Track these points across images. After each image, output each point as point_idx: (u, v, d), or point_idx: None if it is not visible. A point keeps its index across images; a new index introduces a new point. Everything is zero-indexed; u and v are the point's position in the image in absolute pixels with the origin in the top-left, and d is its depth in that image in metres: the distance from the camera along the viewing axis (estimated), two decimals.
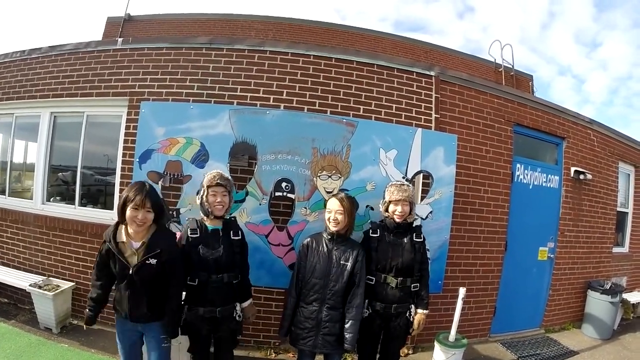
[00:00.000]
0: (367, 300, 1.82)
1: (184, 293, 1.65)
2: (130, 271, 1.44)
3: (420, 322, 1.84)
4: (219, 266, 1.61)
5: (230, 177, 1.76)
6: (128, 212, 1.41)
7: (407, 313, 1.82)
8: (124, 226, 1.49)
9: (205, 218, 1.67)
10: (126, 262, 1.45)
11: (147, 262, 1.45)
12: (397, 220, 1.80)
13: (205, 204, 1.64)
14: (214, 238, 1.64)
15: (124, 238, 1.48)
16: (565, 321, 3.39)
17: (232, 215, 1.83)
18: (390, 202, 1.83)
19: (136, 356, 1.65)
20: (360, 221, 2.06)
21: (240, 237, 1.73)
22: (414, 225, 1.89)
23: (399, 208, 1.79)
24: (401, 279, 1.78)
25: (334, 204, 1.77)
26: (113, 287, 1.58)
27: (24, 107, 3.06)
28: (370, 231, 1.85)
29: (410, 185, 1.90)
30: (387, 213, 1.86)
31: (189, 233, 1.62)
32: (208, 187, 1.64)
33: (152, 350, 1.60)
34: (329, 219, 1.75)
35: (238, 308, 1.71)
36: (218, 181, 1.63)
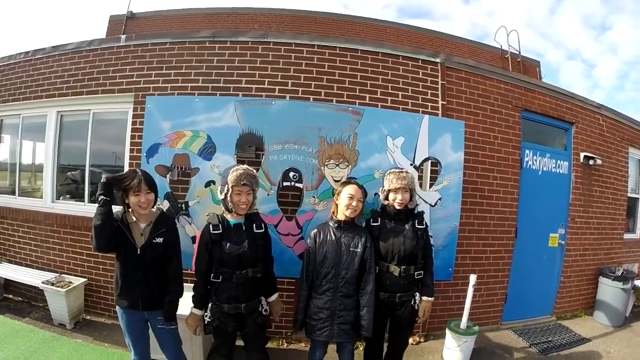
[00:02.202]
0: None
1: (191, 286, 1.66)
2: (139, 251, 1.51)
3: (426, 309, 1.83)
4: (243, 261, 1.58)
5: (255, 172, 1.69)
6: (131, 198, 1.50)
7: (412, 301, 1.81)
8: (130, 211, 1.57)
9: (226, 213, 1.65)
10: (134, 242, 1.52)
11: (154, 241, 1.54)
12: (398, 207, 1.78)
13: (229, 202, 1.60)
14: (237, 233, 1.61)
15: (134, 219, 1.57)
16: (576, 308, 3.35)
17: (255, 208, 1.78)
18: (389, 190, 1.81)
19: (145, 343, 1.68)
20: (368, 209, 2.05)
21: (263, 230, 1.68)
22: (415, 212, 1.87)
23: (399, 196, 1.77)
24: (404, 267, 1.76)
25: (356, 190, 1.74)
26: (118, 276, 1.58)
27: (30, 108, 3.08)
28: (372, 220, 1.83)
29: (409, 172, 1.87)
30: (387, 201, 1.84)
31: (211, 229, 1.58)
32: (233, 186, 1.59)
33: (163, 334, 1.64)
34: (348, 204, 1.71)
35: (264, 302, 1.69)
36: (244, 181, 1.58)
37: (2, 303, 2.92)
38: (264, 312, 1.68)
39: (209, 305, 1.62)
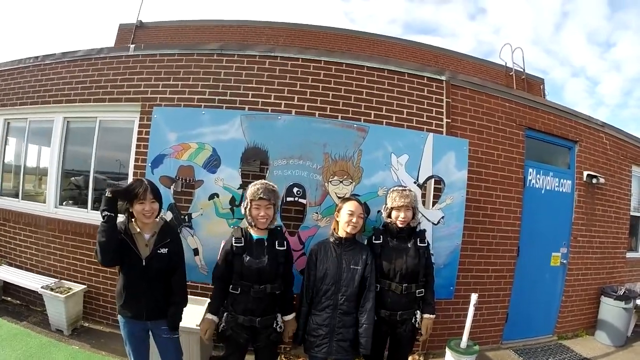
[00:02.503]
0: None
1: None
2: (144, 262, 1.51)
3: (428, 327, 1.82)
4: (262, 276, 1.59)
5: (275, 188, 1.71)
6: (136, 207, 1.50)
7: (413, 319, 1.80)
8: (133, 221, 1.56)
9: (249, 227, 1.68)
10: (139, 253, 1.52)
11: (158, 251, 1.55)
12: (400, 225, 1.79)
13: (249, 216, 1.64)
14: (259, 248, 1.63)
15: (137, 230, 1.56)
16: (578, 328, 3.32)
17: (277, 225, 1.81)
18: (392, 208, 1.82)
19: (145, 352, 1.68)
20: (371, 226, 2.05)
21: (285, 248, 1.69)
22: (417, 230, 1.88)
23: (401, 214, 1.78)
24: (406, 285, 1.76)
25: (356, 207, 1.75)
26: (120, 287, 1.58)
27: (37, 112, 3.11)
28: (373, 238, 1.84)
29: (412, 190, 1.89)
30: (389, 219, 1.84)
31: (233, 242, 1.62)
32: (251, 200, 1.62)
33: (166, 344, 1.65)
34: (348, 221, 1.72)
35: (279, 319, 1.69)
36: (261, 195, 1.61)
37: (0, 305, 2.92)
38: (278, 329, 1.68)
39: (225, 314, 1.64)
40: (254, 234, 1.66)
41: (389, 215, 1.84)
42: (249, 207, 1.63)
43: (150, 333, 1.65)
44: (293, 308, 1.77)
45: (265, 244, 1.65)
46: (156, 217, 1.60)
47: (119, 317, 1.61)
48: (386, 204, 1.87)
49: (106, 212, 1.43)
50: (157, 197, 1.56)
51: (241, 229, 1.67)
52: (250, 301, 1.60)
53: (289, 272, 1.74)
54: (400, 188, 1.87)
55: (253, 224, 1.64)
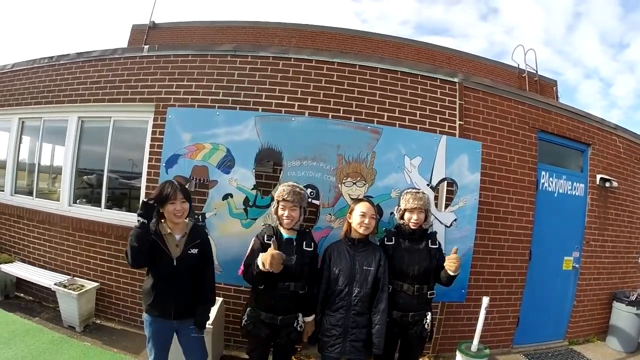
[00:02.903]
0: None
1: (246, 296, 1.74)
2: (174, 262, 1.55)
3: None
4: (287, 274, 1.62)
5: (302, 191, 1.77)
6: (168, 207, 1.55)
7: (424, 321, 1.81)
8: (163, 222, 1.61)
9: (279, 226, 1.74)
10: (169, 253, 1.56)
11: (189, 252, 1.59)
12: (413, 227, 1.81)
13: (274, 215, 1.72)
14: (287, 247, 1.66)
15: (168, 230, 1.60)
16: (589, 333, 3.28)
17: (306, 227, 1.87)
18: (405, 210, 1.84)
19: (167, 351, 1.71)
20: (383, 228, 2.05)
21: (312, 249, 1.75)
22: (428, 232, 1.89)
23: (414, 216, 1.80)
24: (418, 286, 1.78)
25: (368, 208, 1.76)
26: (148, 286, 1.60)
27: (51, 112, 3.16)
28: (386, 239, 1.85)
29: (425, 192, 1.90)
30: (402, 220, 1.86)
31: (265, 239, 1.66)
32: (278, 201, 1.70)
33: (193, 343, 1.68)
34: (361, 222, 1.74)
35: (300, 319, 1.72)
36: (285, 197, 1.67)
37: (13, 301, 2.96)
38: (299, 329, 1.71)
39: (248, 309, 1.69)
40: (284, 233, 1.72)
41: (402, 217, 1.86)
42: (276, 206, 1.71)
43: (175, 333, 1.68)
44: (314, 310, 1.78)
45: (295, 244, 1.70)
46: (186, 218, 1.64)
47: (145, 316, 1.64)
48: (399, 206, 1.88)
49: (141, 219, 1.47)
50: (187, 197, 1.62)
51: (272, 227, 1.73)
52: (273, 298, 1.63)
53: (313, 273, 1.76)
54: (414, 190, 1.88)
55: (279, 223, 1.71)
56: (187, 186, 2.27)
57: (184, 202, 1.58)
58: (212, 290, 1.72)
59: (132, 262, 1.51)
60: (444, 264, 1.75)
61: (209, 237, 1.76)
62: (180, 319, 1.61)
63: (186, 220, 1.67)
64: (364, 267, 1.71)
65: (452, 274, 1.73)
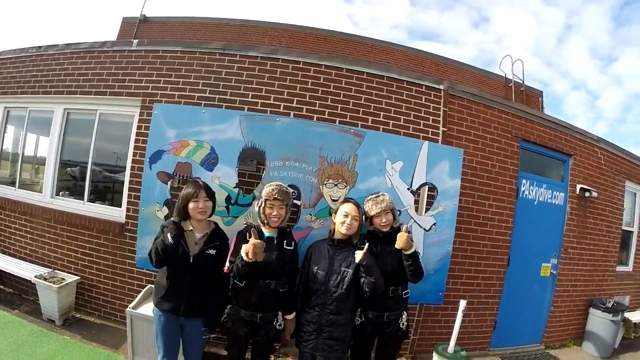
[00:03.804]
0: (359, 309, 1.85)
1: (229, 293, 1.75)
2: (191, 259, 1.60)
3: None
4: (267, 272, 1.65)
5: (289, 190, 1.81)
6: (191, 204, 1.61)
7: (400, 320, 1.84)
8: (187, 222, 1.66)
9: (262, 225, 1.76)
10: (188, 250, 1.61)
11: (207, 251, 1.64)
12: (384, 230, 1.83)
13: (262, 215, 1.73)
14: (269, 245, 1.69)
15: (190, 227, 1.66)
16: (565, 338, 3.36)
17: (288, 225, 1.92)
18: (372, 217, 1.86)
19: (175, 347, 1.73)
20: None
21: (292, 248, 1.78)
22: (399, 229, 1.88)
23: (382, 219, 1.83)
24: (393, 287, 1.81)
25: (351, 209, 1.79)
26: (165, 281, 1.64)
27: (37, 102, 3.12)
28: (358, 244, 1.86)
29: (385, 193, 1.92)
30: (372, 226, 1.89)
31: (247, 237, 1.65)
32: (266, 200, 1.72)
33: (193, 343, 1.72)
34: (343, 222, 1.76)
35: (280, 317, 1.74)
36: (275, 196, 1.71)
37: None
38: (277, 327, 1.74)
39: (228, 307, 1.71)
40: (266, 231, 1.74)
41: (371, 223, 1.88)
42: (263, 205, 1.73)
43: (180, 328, 1.70)
44: (295, 308, 1.81)
45: (275, 242, 1.73)
46: (209, 216, 1.70)
47: (154, 310, 1.67)
48: (365, 214, 1.89)
49: (174, 241, 1.55)
50: (211, 196, 1.67)
51: (254, 226, 1.74)
52: (253, 295, 1.66)
53: (293, 272, 1.79)
54: (374, 195, 1.91)
55: (265, 222, 1.73)
56: (170, 182, 2.30)
57: (207, 201, 1.64)
58: (227, 292, 1.76)
59: (156, 266, 1.62)
60: (396, 245, 1.75)
61: (228, 241, 1.77)
62: (188, 317, 1.64)
63: (209, 220, 1.73)
64: (342, 268, 1.74)
65: (406, 252, 1.75)
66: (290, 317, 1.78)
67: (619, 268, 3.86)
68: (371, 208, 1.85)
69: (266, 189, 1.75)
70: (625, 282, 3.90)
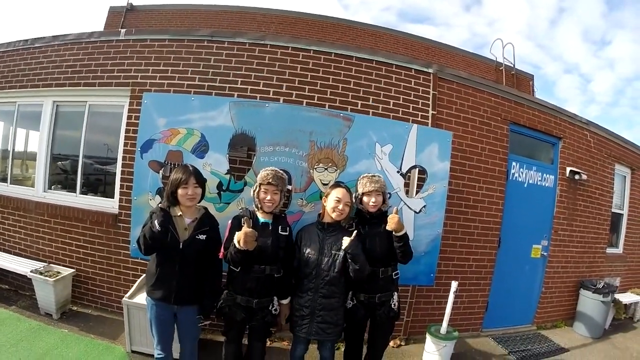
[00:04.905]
0: (350, 292, 1.87)
1: (224, 279, 1.75)
2: (181, 245, 1.58)
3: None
4: (262, 257, 1.66)
5: (284, 175, 1.81)
6: (180, 191, 1.59)
7: (391, 301, 1.86)
8: (177, 207, 1.64)
9: (256, 210, 1.77)
10: (177, 236, 1.59)
11: (196, 237, 1.61)
12: (372, 210, 1.84)
13: (256, 199, 1.74)
14: (264, 231, 1.70)
15: (179, 213, 1.63)
16: (557, 319, 3.43)
17: (282, 210, 1.92)
18: (363, 194, 1.87)
19: (170, 335, 1.74)
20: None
21: (287, 233, 1.79)
22: (388, 214, 1.89)
23: (372, 199, 1.83)
24: (382, 268, 1.83)
25: (343, 194, 1.79)
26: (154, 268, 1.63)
27: (26, 96, 3.09)
28: (346, 226, 1.87)
29: (381, 176, 1.94)
30: (361, 205, 1.89)
31: (242, 220, 1.63)
32: (260, 184, 1.73)
33: (187, 330, 1.71)
34: (334, 207, 1.77)
35: (275, 302, 1.76)
36: (270, 180, 1.71)
37: None
38: (273, 312, 1.75)
39: (224, 292, 1.71)
40: (260, 217, 1.75)
41: (361, 202, 1.89)
42: (257, 190, 1.73)
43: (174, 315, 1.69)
44: (290, 293, 1.82)
45: (270, 228, 1.73)
46: (198, 202, 1.68)
47: (147, 299, 1.66)
48: (357, 191, 1.91)
49: (162, 227, 1.51)
50: (200, 182, 1.64)
51: (249, 211, 1.76)
52: (249, 280, 1.67)
53: (288, 257, 1.80)
54: (370, 174, 1.92)
55: (259, 206, 1.74)
56: (161, 171, 2.30)
57: (196, 187, 1.61)
58: (220, 279, 1.75)
59: (145, 254, 1.60)
60: (387, 227, 1.77)
61: (218, 226, 1.76)
62: (180, 304, 1.63)
63: (198, 206, 1.71)
64: (333, 251, 1.75)
65: (397, 234, 1.77)
66: (285, 301, 1.80)
67: (609, 250, 3.93)
68: (365, 184, 1.86)
69: (261, 173, 1.75)
70: (616, 263, 3.97)
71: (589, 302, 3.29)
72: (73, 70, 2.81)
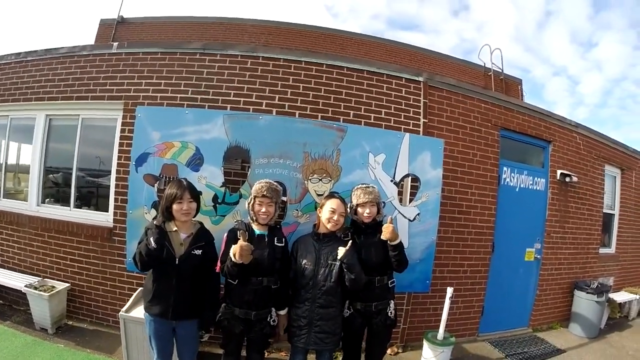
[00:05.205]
0: (347, 301, 1.88)
1: (221, 292, 1.76)
2: (177, 261, 1.58)
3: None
4: (259, 269, 1.67)
5: (278, 188, 1.83)
6: (175, 206, 1.59)
7: (388, 309, 1.87)
8: (172, 222, 1.64)
9: (252, 222, 1.78)
10: (173, 251, 1.58)
11: (192, 252, 1.62)
12: (366, 221, 1.86)
13: (251, 211, 1.75)
14: (260, 243, 1.71)
15: (174, 228, 1.63)
16: (552, 320, 3.47)
17: (278, 222, 1.92)
18: (357, 205, 1.89)
19: (171, 349, 1.73)
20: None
21: (283, 244, 1.80)
22: (383, 224, 1.91)
23: (367, 210, 1.85)
24: (379, 277, 1.85)
25: (338, 205, 1.81)
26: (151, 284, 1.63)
27: (19, 110, 3.08)
28: (342, 236, 1.88)
29: (375, 186, 1.96)
30: (355, 216, 1.91)
31: (238, 233, 1.64)
32: (255, 197, 1.74)
33: (186, 344, 1.72)
34: (329, 218, 1.78)
35: (274, 313, 1.76)
36: (264, 193, 1.72)
37: None
38: (272, 323, 1.76)
39: (222, 305, 1.72)
40: (256, 229, 1.76)
41: (355, 213, 1.91)
42: (252, 202, 1.74)
43: (174, 332, 1.70)
44: (288, 304, 1.83)
45: (266, 239, 1.74)
46: (193, 217, 1.68)
47: (145, 315, 1.66)
48: (351, 202, 1.93)
49: (157, 245, 1.51)
50: (195, 196, 1.64)
51: (245, 223, 1.75)
52: (247, 293, 1.68)
53: (285, 268, 1.81)
54: (364, 185, 1.94)
55: (254, 219, 1.75)
56: (156, 184, 2.30)
57: (191, 202, 1.61)
58: (218, 292, 1.76)
59: (142, 270, 1.59)
60: (382, 237, 1.79)
61: (214, 240, 1.77)
62: (178, 319, 1.63)
63: (194, 221, 1.71)
64: (329, 262, 1.76)
65: (392, 243, 1.78)
66: (283, 312, 1.81)
67: (602, 250, 3.99)
68: (359, 196, 1.88)
69: (256, 186, 1.77)
70: (609, 263, 4.03)
71: (584, 303, 3.33)
72: (65, 84, 2.81)
